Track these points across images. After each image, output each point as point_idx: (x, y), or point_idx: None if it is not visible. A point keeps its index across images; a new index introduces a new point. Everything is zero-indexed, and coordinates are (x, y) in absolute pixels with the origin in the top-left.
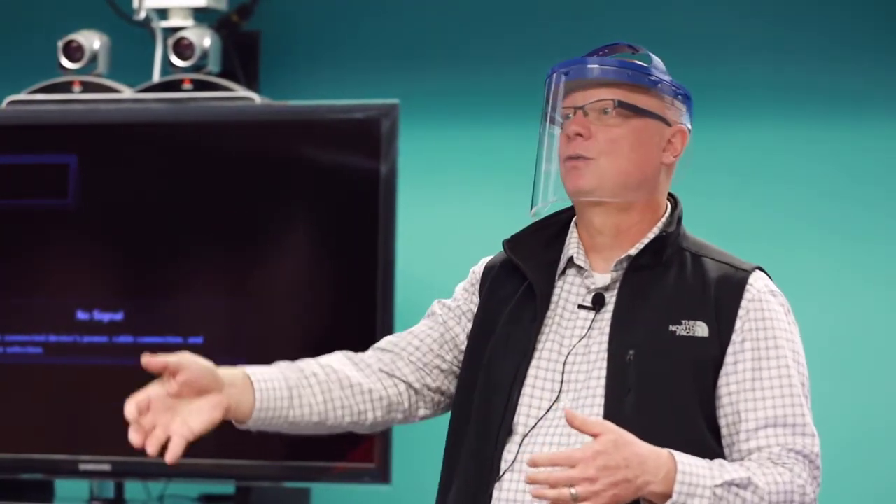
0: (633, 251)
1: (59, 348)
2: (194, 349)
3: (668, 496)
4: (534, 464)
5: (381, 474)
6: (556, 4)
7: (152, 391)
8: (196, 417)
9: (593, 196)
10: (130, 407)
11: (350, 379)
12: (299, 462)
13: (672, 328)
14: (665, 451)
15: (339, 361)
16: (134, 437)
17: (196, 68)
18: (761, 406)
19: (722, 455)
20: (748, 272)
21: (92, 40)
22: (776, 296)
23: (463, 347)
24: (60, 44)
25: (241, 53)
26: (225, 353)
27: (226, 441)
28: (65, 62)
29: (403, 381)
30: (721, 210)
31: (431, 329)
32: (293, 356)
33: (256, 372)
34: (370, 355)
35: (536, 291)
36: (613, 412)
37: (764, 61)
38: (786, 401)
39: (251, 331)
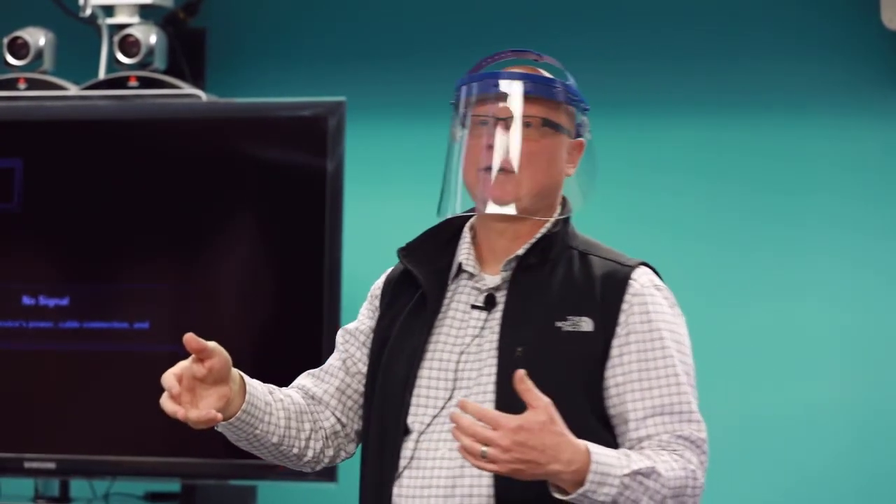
0: (520, 251)
1: (4, 334)
2: (140, 335)
3: (580, 483)
4: (463, 407)
5: (327, 472)
6: (507, 3)
7: (185, 369)
8: (206, 403)
9: (510, 209)
10: (172, 380)
11: (304, 415)
12: (245, 460)
13: (558, 324)
14: (583, 445)
15: (296, 393)
16: (170, 407)
17: (142, 65)
18: (648, 396)
19: (614, 444)
20: (632, 268)
21: (37, 37)
22: (660, 289)
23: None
24: (6, 40)
25: (188, 51)
26: (170, 339)
27: (171, 439)
28: (10, 59)
29: (331, 429)
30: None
31: (338, 367)
32: (240, 346)
33: (246, 376)
34: (304, 397)
35: (427, 296)
36: (505, 407)
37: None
38: (671, 389)
39: (197, 318)
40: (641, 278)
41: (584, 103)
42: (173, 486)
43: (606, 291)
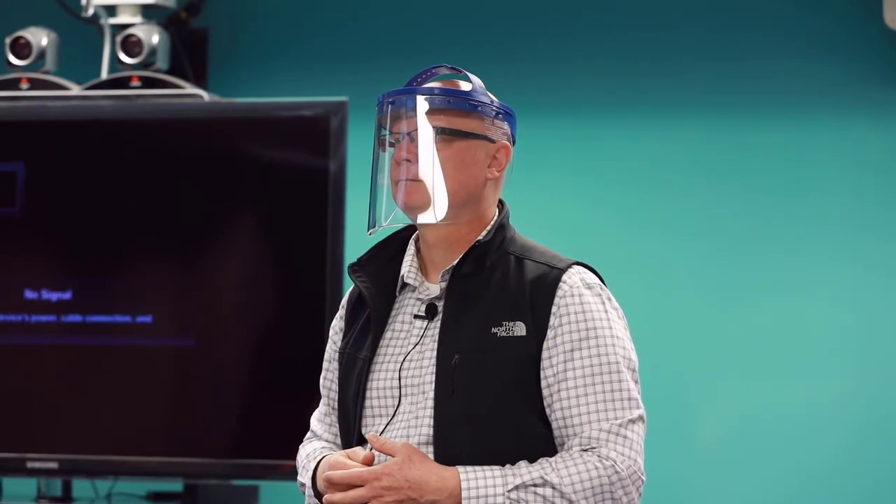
0: (455, 262)
1: (6, 328)
2: (143, 328)
3: None
4: (329, 482)
5: None
6: (507, 3)
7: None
8: None
9: (426, 217)
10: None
11: None
12: (247, 460)
13: (494, 330)
14: (452, 470)
15: (326, 444)
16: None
17: (144, 65)
18: (574, 395)
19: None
20: (562, 270)
21: (40, 37)
22: (591, 287)
23: None
24: (8, 40)
25: (190, 51)
26: (173, 332)
27: (174, 438)
28: (12, 59)
29: None
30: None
31: (331, 408)
32: (242, 344)
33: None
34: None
35: (371, 311)
36: (442, 413)
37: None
38: (596, 388)
39: (200, 315)
40: (571, 279)
41: (498, 108)
42: (176, 485)
43: (537, 295)
